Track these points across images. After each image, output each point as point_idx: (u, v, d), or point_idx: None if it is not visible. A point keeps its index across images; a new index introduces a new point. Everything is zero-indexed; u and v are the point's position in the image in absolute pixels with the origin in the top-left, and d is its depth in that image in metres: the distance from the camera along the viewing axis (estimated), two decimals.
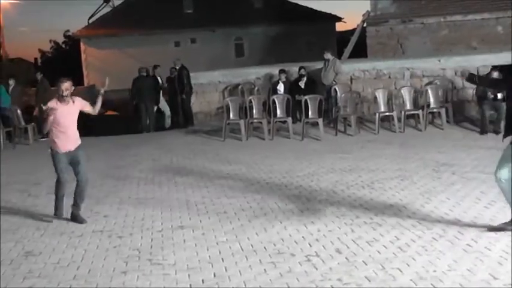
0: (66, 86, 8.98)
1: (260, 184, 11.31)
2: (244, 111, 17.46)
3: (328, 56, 18.34)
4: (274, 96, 17.51)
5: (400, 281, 6.25)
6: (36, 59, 55.86)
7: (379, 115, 16.75)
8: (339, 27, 49.23)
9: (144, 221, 9.21)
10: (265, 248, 7.59)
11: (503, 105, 12.26)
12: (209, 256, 7.41)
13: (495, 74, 15.39)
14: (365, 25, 29.02)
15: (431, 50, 26.39)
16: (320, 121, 16.51)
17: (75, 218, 9.28)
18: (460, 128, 16.44)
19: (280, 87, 18.49)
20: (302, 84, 18.36)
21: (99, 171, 13.30)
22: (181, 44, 42.42)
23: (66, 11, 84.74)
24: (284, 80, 18.67)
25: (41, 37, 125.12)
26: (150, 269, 7.08)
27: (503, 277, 6.17)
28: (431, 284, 6.11)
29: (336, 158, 13.46)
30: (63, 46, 55.95)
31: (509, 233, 7.43)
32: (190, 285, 6.54)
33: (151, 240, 8.26)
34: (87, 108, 9.47)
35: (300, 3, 46.45)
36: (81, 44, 43.50)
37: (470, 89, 16.81)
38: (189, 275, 6.80)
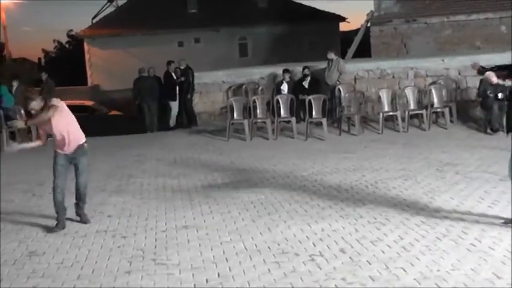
0: (33, 105, 8.72)
1: (264, 184, 11.31)
2: (248, 111, 17.46)
3: (331, 55, 18.32)
4: (278, 96, 17.50)
5: (404, 281, 6.25)
6: (39, 58, 56.01)
7: (383, 115, 16.74)
8: (343, 27, 49.30)
9: (148, 221, 9.21)
10: (269, 247, 7.59)
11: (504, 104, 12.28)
12: (213, 256, 7.41)
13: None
14: (369, 25, 29.02)
15: (434, 49, 26.39)
16: (324, 121, 16.50)
17: (80, 216, 9.27)
18: (464, 127, 16.43)
19: (284, 87, 18.47)
20: (306, 84, 18.35)
21: (103, 171, 13.32)
22: (185, 43, 42.46)
23: (69, 11, 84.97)
24: (288, 79, 18.66)
25: (44, 37, 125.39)
26: (154, 269, 7.08)
27: (507, 276, 6.17)
28: (435, 284, 6.11)
29: (339, 157, 13.45)
30: (67, 46, 56.02)
31: None
32: (194, 285, 6.54)
33: (155, 240, 8.26)
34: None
35: (304, 3, 46.51)
36: (85, 44, 43.57)
37: (474, 89, 16.79)
38: (193, 275, 6.80)
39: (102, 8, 47.29)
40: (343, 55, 25.78)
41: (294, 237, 7.94)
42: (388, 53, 27.21)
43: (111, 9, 47.20)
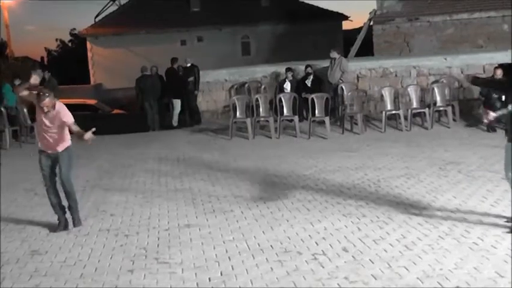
0: (47, 101, 8.51)
1: (266, 183, 11.32)
2: (251, 109, 17.47)
3: (334, 54, 18.32)
4: (281, 95, 17.50)
5: (407, 279, 6.25)
6: (42, 57, 56.04)
7: (385, 113, 16.74)
8: (346, 25, 49.15)
9: (151, 220, 9.22)
10: (271, 246, 7.60)
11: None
12: (216, 255, 7.42)
13: (498, 72, 15.38)
14: (371, 24, 28.99)
15: (437, 48, 26.37)
16: (327, 119, 16.51)
17: (73, 220, 9.03)
18: (467, 126, 16.42)
19: (287, 86, 18.49)
20: (309, 82, 18.37)
21: (106, 170, 13.34)
22: (188, 42, 42.40)
23: (72, 10, 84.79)
24: (291, 78, 18.67)
25: (47, 36, 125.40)
26: (157, 268, 7.09)
27: (510, 275, 6.17)
28: (438, 282, 6.11)
29: (342, 156, 13.46)
30: (70, 45, 56.05)
31: None
32: (197, 283, 6.55)
33: (158, 238, 8.27)
34: (69, 122, 8.71)
35: (307, 1, 46.41)
36: (88, 43, 43.53)
37: (477, 88, 16.77)
38: (195, 274, 6.81)
39: (105, 6, 47.28)
40: (345, 54, 25.78)
41: (297, 236, 7.95)
42: (391, 52, 27.17)
43: (113, 7, 47.17)
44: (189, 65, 20.44)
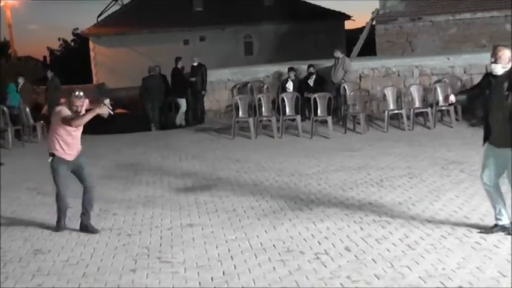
0: (80, 102, 8.44)
1: (269, 182, 11.32)
2: (254, 109, 17.47)
3: (338, 54, 18.29)
4: (283, 94, 17.50)
5: (409, 279, 6.25)
6: (45, 57, 56.04)
7: (388, 113, 16.72)
8: (348, 25, 49.09)
9: (153, 219, 9.23)
10: (274, 246, 7.60)
11: None
12: (218, 254, 7.42)
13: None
14: (374, 23, 28.97)
15: (440, 48, 26.35)
16: (329, 119, 16.50)
17: (86, 228, 8.75)
18: (469, 126, 16.40)
19: (289, 85, 18.48)
20: (311, 82, 18.37)
21: (108, 170, 13.35)
22: (191, 42, 42.38)
23: (75, 9, 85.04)
24: (293, 78, 18.67)
25: (49, 35, 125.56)
26: (159, 267, 7.10)
27: None
28: (440, 282, 6.10)
29: (344, 156, 13.45)
30: (72, 44, 56.03)
31: None
32: (199, 283, 6.55)
33: (161, 238, 8.28)
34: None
35: (309, 1, 46.38)
36: (90, 42, 43.53)
37: None
38: (198, 273, 6.81)
39: (108, 6, 47.28)
40: (348, 53, 25.77)
41: (299, 236, 7.95)
42: (393, 51, 27.15)
43: (116, 7, 47.16)
44: (196, 64, 20.43)
